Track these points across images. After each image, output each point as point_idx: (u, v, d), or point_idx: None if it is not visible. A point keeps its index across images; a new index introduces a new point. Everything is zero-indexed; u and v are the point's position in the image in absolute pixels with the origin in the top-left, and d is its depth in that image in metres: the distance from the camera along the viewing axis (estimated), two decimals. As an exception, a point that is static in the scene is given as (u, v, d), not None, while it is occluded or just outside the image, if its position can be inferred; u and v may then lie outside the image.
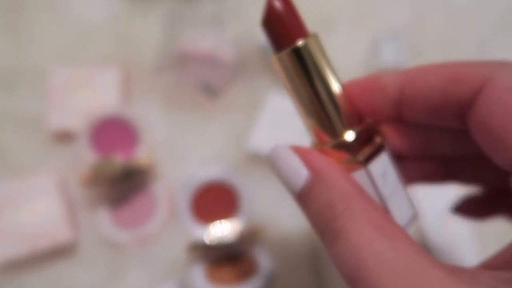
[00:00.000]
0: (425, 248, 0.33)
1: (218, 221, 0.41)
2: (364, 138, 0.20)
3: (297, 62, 0.20)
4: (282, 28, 0.20)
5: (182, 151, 0.44)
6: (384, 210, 0.18)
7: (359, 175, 0.19)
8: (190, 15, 0.46)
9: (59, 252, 0.41)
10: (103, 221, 0.41)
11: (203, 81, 0.44)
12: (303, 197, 0.19)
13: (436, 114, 0.19)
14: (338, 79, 0.20)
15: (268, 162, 0.20)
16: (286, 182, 0.19)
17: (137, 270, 0.41)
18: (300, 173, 0.18)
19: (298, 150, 0.19)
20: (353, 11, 0.48)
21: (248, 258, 0.40)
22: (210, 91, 0.45)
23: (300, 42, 0.20)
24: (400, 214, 0.21)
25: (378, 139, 0.21)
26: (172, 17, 0.45)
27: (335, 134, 0.20)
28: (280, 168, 0.19)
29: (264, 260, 0.39)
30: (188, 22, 0.45)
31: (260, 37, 0.44)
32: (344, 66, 0.46)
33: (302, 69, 0.20)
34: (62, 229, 0.40)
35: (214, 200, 0.41)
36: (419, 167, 0.23)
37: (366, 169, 0.19)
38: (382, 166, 0.20)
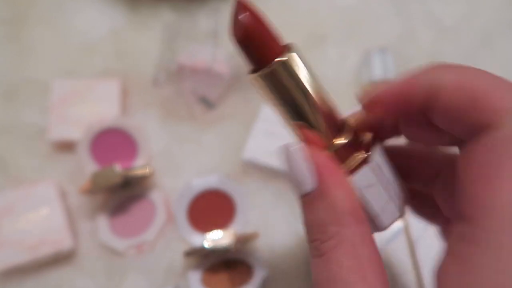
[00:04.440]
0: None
1: (214, 228, 0.42)
2: (355, 139, 0.20)
3: (282, 76, 0.19)
4: (257, 47, 0.18)
5: (179, 160, 0.45)
6: (369, 234, 0.19)
7: (362, 173, 0.20)
8: (187, 30, 0.47)
9: (59, 259, 0.42)
10: (102, 229, 0.42)
11: (200, 93, 0.45)
12: (304, 202, 0.19)
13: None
14: (320, 86, 0.20)
15: (280, 157, 0.20)
16: (293, 183, 0.19)
17: (135, 276, 0.42)
18: (307, 182, 0.19)
19: (312, 155, 0.19)
20: (344, 27, 0.50)
21: (243, 264, 0.41)
22: (206, 103, 0.46)
23: (284, 57, 0.18)
24: (387, 215, 0.21)
25: (367, 139, 0.21)
26: (170, 32, 0.47)
27: (332, 137, 0.20)
28: (290, 169, 0.19)
29: (258, 266, 0.40)
30: (185, 37, 0.47)
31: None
32: (335, 80, 0.48)
33: (288, 82, 0.19)
34: (62, 237, 0.41)
35: (210, 208, 0.43)
36: None
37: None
38: (366, 174, 0.20)
